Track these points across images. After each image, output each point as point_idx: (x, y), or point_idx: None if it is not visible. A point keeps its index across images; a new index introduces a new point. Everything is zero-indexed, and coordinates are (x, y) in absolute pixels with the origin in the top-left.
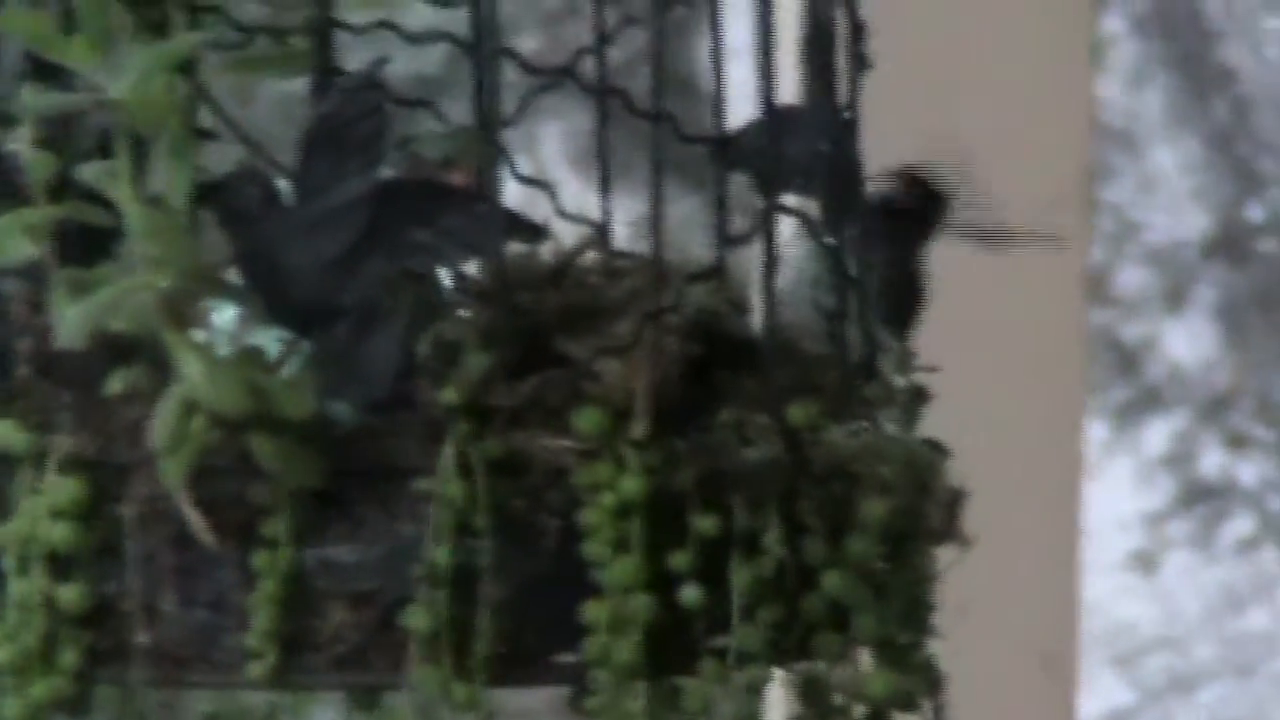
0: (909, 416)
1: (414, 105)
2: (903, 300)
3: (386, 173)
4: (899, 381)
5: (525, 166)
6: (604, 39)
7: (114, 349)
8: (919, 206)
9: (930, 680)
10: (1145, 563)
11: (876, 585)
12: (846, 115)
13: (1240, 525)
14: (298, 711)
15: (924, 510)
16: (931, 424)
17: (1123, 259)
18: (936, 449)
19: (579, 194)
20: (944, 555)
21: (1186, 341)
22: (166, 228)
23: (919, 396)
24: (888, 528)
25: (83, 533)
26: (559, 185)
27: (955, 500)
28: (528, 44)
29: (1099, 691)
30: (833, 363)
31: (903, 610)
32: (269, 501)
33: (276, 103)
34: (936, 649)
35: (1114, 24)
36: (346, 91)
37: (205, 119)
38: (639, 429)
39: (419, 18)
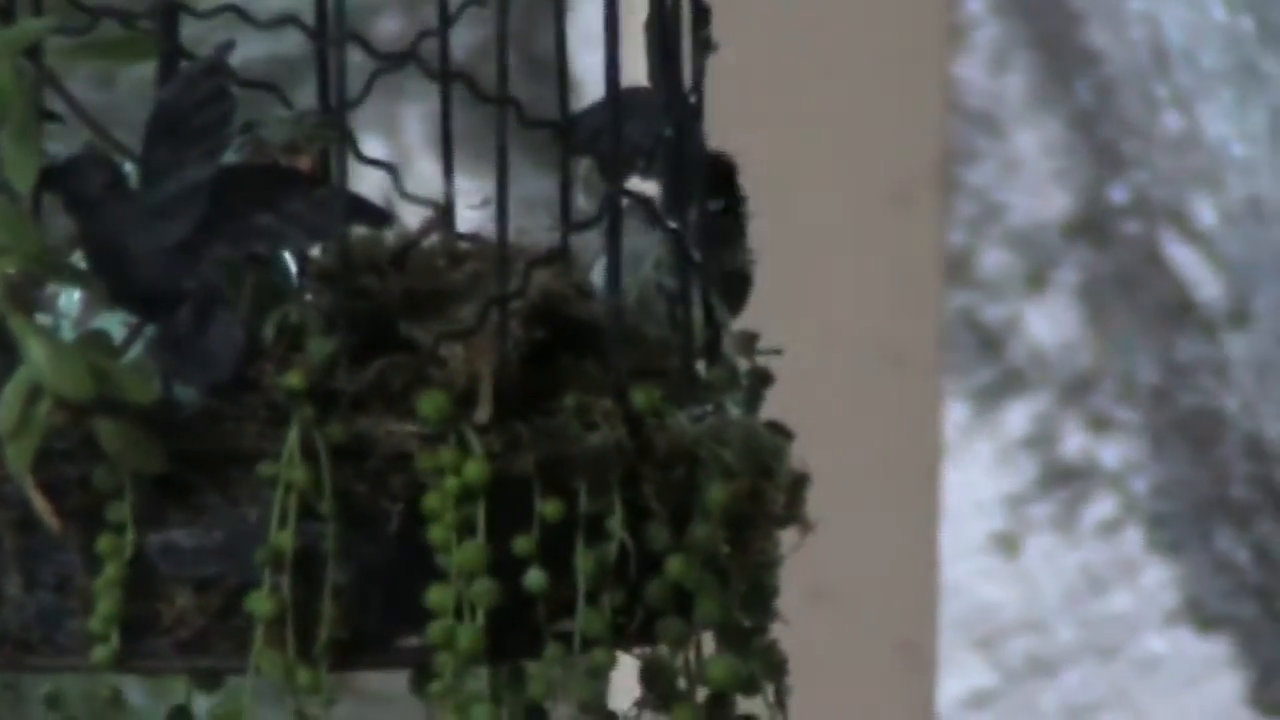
0: (752, 400)
1: (259, 89)
2: (730, 283)
3: (232, 157)
4: (742, 365)
5: (386, 149)
6: (446, 21)
7: None
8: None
9: (772, 664)
10: (1006, 545)
11: (719, 570)
12: (690, 99)
13: (1102, 507)
14: (145, 695)
15: (766, 494)
16: (785, 407)
17: (985, 241)
18: (780, 432)
19: (438, 177)
20: (798, 539)
21: (1048, 323)
22: (9, 213)
23: (762, 379)
24: (730, 512)
25: None
26: (419, 169)
27: (798, 484)
28: (388, 26)
29: (959, 674)
30: (676, 346)
31: (745, 595)
32: (112, 485)
33: (139, 85)
34: (793, 634)
35: (975, 5)
36: (190, 77)
37: (53, 103)
38: (482, 413)
39: (267, 2)
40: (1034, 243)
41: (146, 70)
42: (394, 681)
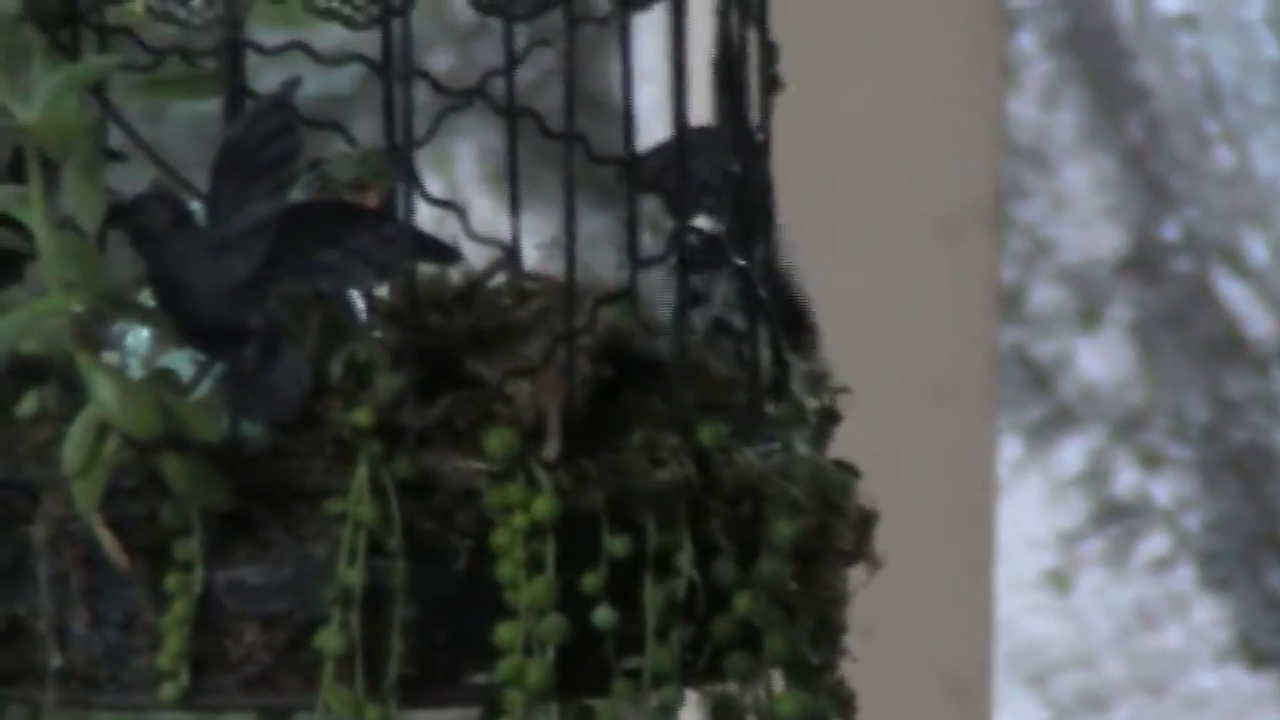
0: (819, 437)
1: (325, 127)
2: (791, 320)
3: (297, 194)
4: (809, 402)
5: (439, 186)
6: (513, 59)
7: (25, 371)
8: None
9: (840, 701)
10: (1058, 581)
11: (787, 606)
12: (758, 136)
13: (1154, 544)
14: None
15: (834, 531)
16: (842, 443)
17: (1035, 277)
18: (847, 469)
19: (493, 214)
20: (855, 576)
21: (1099, 360)
22: (77, 251)
23: (830, 417)
24: (798, 548)
25: None
26: (472, 205)
27: (865, 521)
28: (440, 61)
29: (1011, 710)
30: (742, 383)
31: (813, 631)
32: (179, 522)
33: (191, 121)
34: (846, 671)
35: (1027, 41)
36: (256, 113)
37: (117, 140)
38: (550, 450)
39: (331, 38)
40: (1085, 279)
41: (195, 106)
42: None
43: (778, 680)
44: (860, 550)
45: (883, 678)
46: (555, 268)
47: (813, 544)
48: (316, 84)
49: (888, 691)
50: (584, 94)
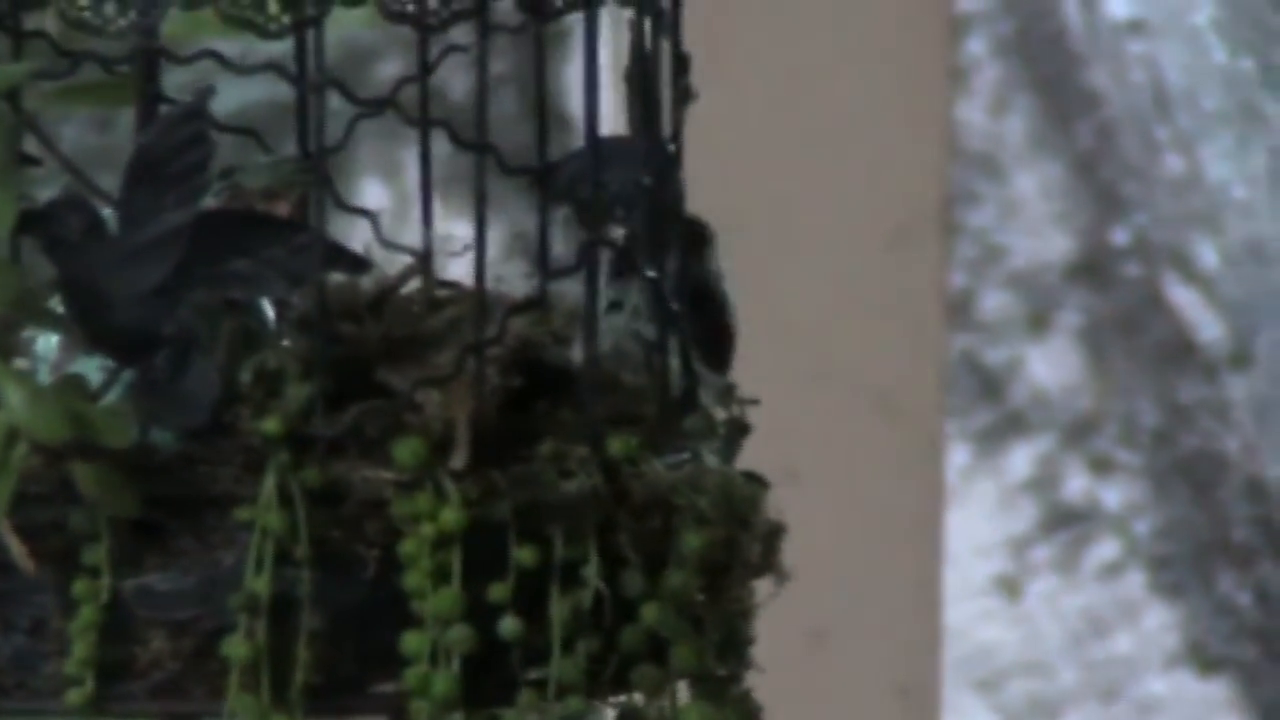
0: (729, 448)
1: (239, 134)
2: (714, 340)
3: (210, 202)
4: (719, 413)
5: (388, 194)
6: (426, 67)
7: None
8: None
9: (746, 713)
10: (1008, 587)
11: (694, 618)
12: (669, 147)
13: (1104, 550)
14: None
15: (742, 543)
16: (786, 449)
17: (985, 283)
18: (756, 481)
19: (439, 220)
20: (797, 585)
21: (1050, 365)
22: None
23: (739, 429)
24: (706, 560)
25: None
26: (419, 213)
27: (774, 533)
28: (390, 69)
29: (960, 717)
30: (653, 395)
31: (720, 643)
32: (88, 529)
33: (94, 124)
34: (795, 677)
35: (976, 47)
36: (169, 121)
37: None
38: (458, 460)
39: (256, 49)
40: (1035, 285)
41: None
42: None
43: (684, 692)
44: (768, 562)
45: (833, 684)
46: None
47: (721, 556)
48: (262, 90)
49: (838, 698)
50: (532, 100)
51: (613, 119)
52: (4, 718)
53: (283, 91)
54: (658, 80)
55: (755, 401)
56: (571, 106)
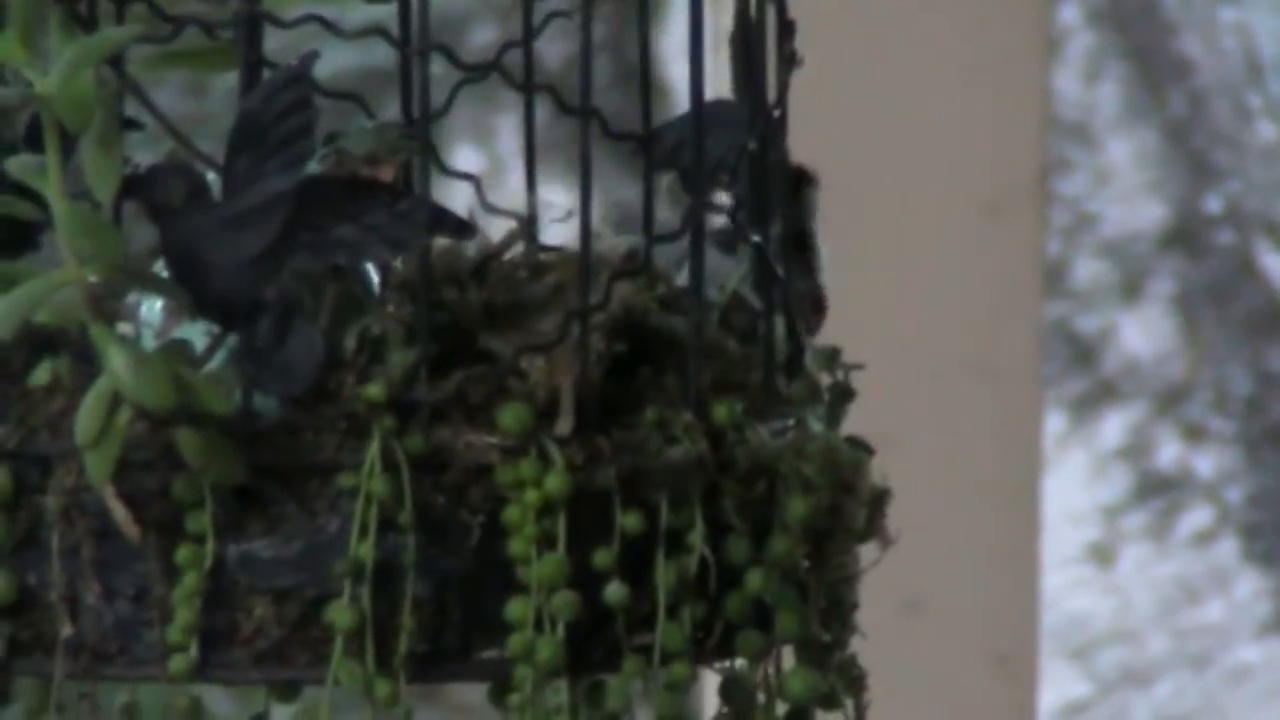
0: (833, 414)
1: (343, 99)
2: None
3: (313, 168)
4: (824, 379)
5: (480, 160)
6: (531, 32)
7: (39, 341)
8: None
9: (850, 679)
10: (1101, 555)
11: (799, 584)
12: (774, 113)
13: (1196, 517)
14: (224, 703)
15: (846, 509)
16: (883, 419)
17: (1079, 251)
18: (860, 447)
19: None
20: (879, 554)
21: (1142, 333)
22: (93, 222)
23: (843, 394)
24: (810, 527)
25: (6, 524)
26: (514, 178)
27: (878, 499)
28: (483, 36)
29: (1054, 684)
30: (757, 361)
31: (825, 609)
32: (192, 496)
33: (230, 93)
34: (890, 646)
35: (1069, 16)
36: (273, 87)
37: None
38: (563, 426)
39: (362, 13)
40: (1127, 253)
41: (237, 79)
42: (478, 692)
43: (788, 658)
44: (872, 528)
45: (928, 652)
46: (576, 242)
47: (825, 522)
48: (355, 57)
49: (933, 666)
50: (627, 67)
51: (712, 86)
52: (107, 684)
53: (376, 56)
54: (763, 45)
55: (860, 366)
56: (667, 74)
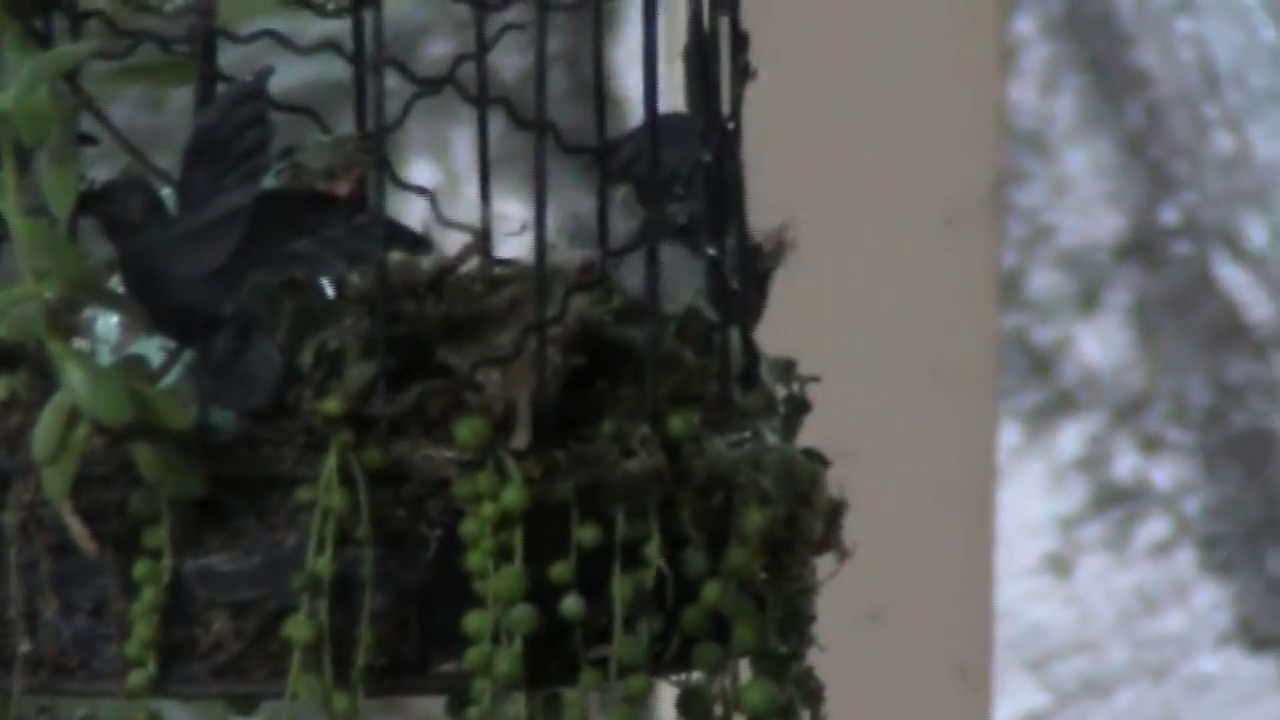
0: (789, 426)
1: (298, 113)
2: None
3: (270, 182)
4: (780, 391)
5: (435, 173)
6: (484, 46)
7: None
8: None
9: (808, 691)
10: (1058, 566)
11: (756, 596)
12: (728, 125)
13: (1154, 528)
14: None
15: (803, 520)
16: (839, 429)
17: (1035, 262)
18: (816, 458)
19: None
20: (837, 566)
21: (1100, 344)
22: (50, 238)
23: (799, 406)
24: (767, 538)
25: None
26: (470, 192)
27: (835, 511)
28: (439, 49)
29: (1013, 695)
30: (713, 373)
31: (782, 621)
32: (150, 510)
33: (188, 108)
34: (848, 657)
35: (1025, 26)
36: (228, 101)
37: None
38: (520, 439)
39: (321, 26)
40: (1084, 264)
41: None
42: (438, 704)
43: (746, 670)
44: (829, 540)
45: (887, 664)
46: (531, 255)
47: (782, 534)
48: (312, 71)
49: (892, 677)
50: (583, 80)
51: (667, 98)
52: (66, 699)
53: (334, 71)
54: (717, 57)
55: (816, 379)
56: (622, 86)
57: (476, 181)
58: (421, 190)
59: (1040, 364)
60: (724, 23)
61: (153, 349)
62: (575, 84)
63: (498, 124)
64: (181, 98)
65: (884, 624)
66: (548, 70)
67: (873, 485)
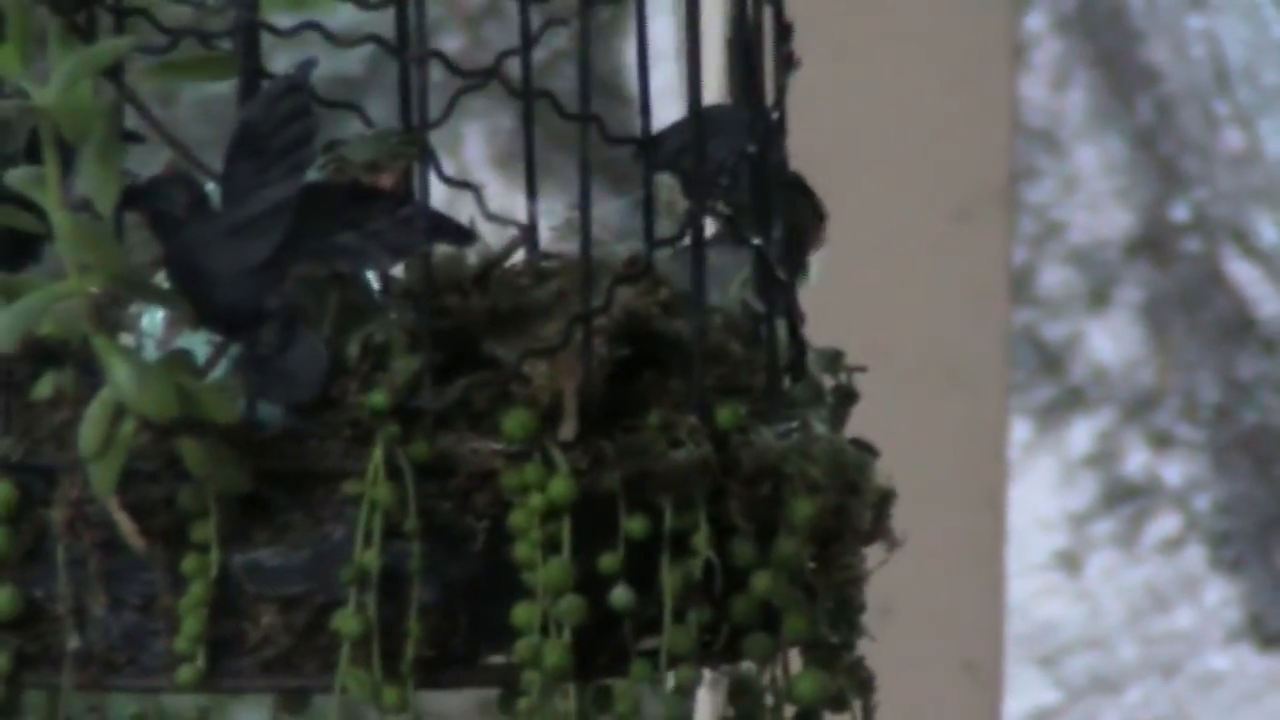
0: (836, 416)
1: (341, 108)
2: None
3: (313, 176)
4: (826, 381)
5: (448, 167)
6: (529, 40)
7: (42, 353)
8: None
9: (859, 680)
10: (1069, 563)
11: (805, 586)
12: (773, 115)
13: (1164, 525)
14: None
15: (852, 510)
16: (854, 425)
17: (1046, 258)
18: (864, 448)
19: (501, 195)
20: (870, 557)
21: (1110, 341)
22: (94, 233)
23: (846, 396)
24: (816, 528)
25: (11, 536)
26: (482, 186)
27: (883, 500)
28: (450, 44)
29: (1022, 692)
30: (760, 364)
31: (831, 611)
32: (197, 505)
33: (202, 103)
34: (863, 652)
35: (1036, 23)
36: (272, 95)
37: (133, 121)
38: (567, 431)
39: (344, 19)
40: (1095, 260)
41: (207, 88)
42: (450, 701)
43: (796, 660)
44: (878, 529)
45: (895, 659)
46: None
47: (831, 524)
48: (326, 65)
49: (900, 672)
50: (596, 76)
51: (665, 97)
52: (115, 694)
53: (346, 64)
54: (760, 48)
55: (862, 369)
56: (632, 84)
57: (487, 175)
58: (466, 185)
59: (1050, 360)
60: (768, 13)
61: (198, 344)
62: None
63: (509, 119)
64: (194, 92)
65: (894, 619)
66: (559, 67)
67: (883, 480)
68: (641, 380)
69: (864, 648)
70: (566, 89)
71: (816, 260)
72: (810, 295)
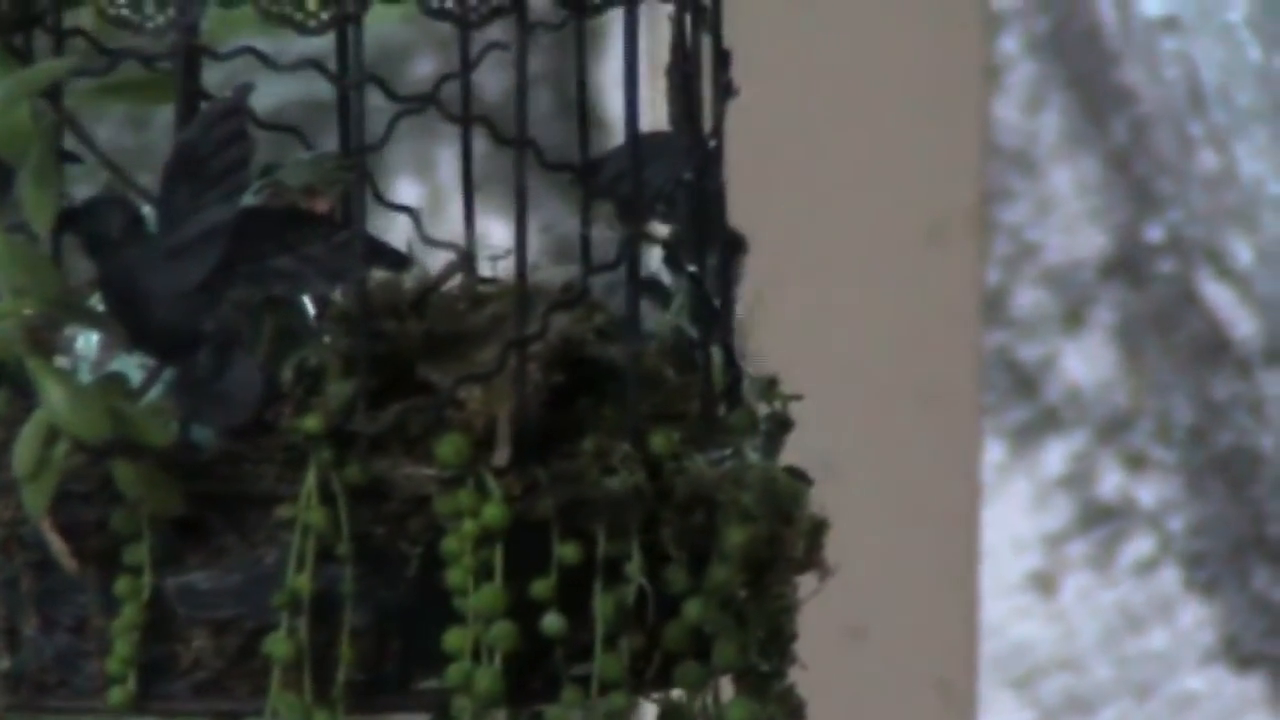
0: (771, 444)
1: (279, 131)
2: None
3: (250, 200)
4: (761, 409)
5: (421, 191)
6: (468, 64)
7: None
8: None
9: (790, 709)
10: (1043, 584)
11: (737, 614)
12: (710, 143)
13: (1139, 546)
14: None
15: (785, 539)
16: (823, 446)
17: (1020, 279)
18: (799, 477)
19: (478, 218)
20: (819, 584)
21: (1084, 362)
22: (30, 256)
23: (782, 425)
24: (749, 556)
25: None
26: (453, 210)
27: (817, 529)
28: (424, 68)
29: (996, 713)
30: (695, 390)
31: (764, 639)
32: (130, 528)
33: (129, 122)
34: (832, 673)
35: (1010, 44)
36: (209, 118)
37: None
38: (501, 457)
39: (298, 43)
40: (1069, 281)
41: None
42: None
43: (728, 688)
44: (811, 558)
45: (869, 680)
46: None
47: (764, 552)
48: (298, 88)
49: (875, 694)
50: (568, 99)
51: (649, 116)
52: (47, 716)
53: (320, 88)
54: (699, 76)
55: (798, 397)
56: (605, 105)
57: (460, 200)
58: (403, 208)
59: (1024, 382)
60: (706, 41)
61: (133, 366)
62: (560, 103)
63: (482, 143)
64: (166, 116)
65: (868, 640)
66: (532, 90)
67: (856, 502)
68: (576, 406)
69: (838, 668)
70: (539, 113)
71: (752, 293)
72: (782, 316)
